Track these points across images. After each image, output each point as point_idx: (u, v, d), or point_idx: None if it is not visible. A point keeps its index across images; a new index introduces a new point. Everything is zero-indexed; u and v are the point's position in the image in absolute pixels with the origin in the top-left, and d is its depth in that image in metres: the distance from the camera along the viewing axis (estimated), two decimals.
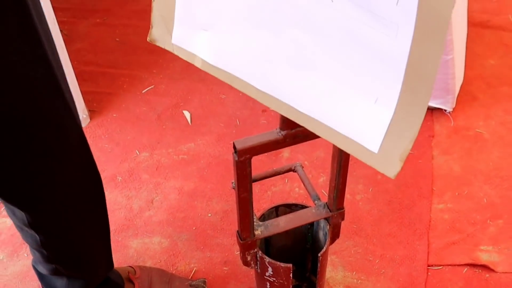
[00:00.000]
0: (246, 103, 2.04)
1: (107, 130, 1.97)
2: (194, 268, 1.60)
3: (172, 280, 1.53)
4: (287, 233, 1.24)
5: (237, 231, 1.17)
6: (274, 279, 1.22)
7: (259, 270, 1.24)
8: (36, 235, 1.20)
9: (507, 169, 1.80)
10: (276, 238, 1.31)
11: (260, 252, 1.20)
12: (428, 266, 1.58)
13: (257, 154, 1.01)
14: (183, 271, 1.60)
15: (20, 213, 1.16)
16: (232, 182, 1.18)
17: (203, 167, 1.85)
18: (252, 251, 1.20)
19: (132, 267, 1.52)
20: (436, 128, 1.93)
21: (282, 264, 1.18)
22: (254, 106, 2.02)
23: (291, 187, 1.77)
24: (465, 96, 2.03)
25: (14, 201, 1.13)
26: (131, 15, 2.47)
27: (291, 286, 1.23)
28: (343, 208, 1.22)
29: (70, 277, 1.32)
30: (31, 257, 1.59)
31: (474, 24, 2.28)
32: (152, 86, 2.13)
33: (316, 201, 1.24)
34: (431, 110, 1.96)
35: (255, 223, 1.18)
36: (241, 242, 1.17)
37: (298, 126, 0.93)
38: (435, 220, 1.68)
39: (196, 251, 1.64)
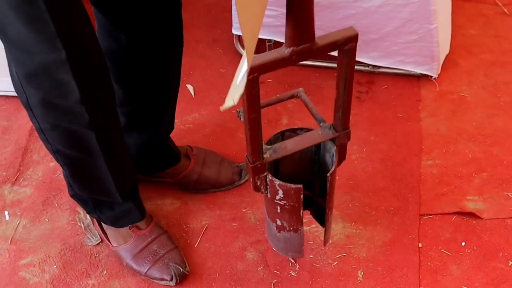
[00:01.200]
0: None
1: None
2: (206, 225, 1.74)
3: (223, 161, 1.82)
4: (293, 159, 1.26)
5: (246, 156, 1.18)
6: (285, 201, 1.22)
7: (269, 195, 1.24)
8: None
9: (489, 128, 1.95)
10: (284, 165, 1.31)
11: (270, 175, 1.20)
12: (420, 215, 1.72)
13: (265, 72, 1.00)
14: (196, 228, 1.73)
15: None
16: (237, 111, 1.24)
17: (208, 134, 1.97)
18: (262, 175, 1.20)
19: (190, 146, 1.80)
20: (422, 93, 2.07)
21: (293, 185, 1.18)
22: None
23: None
24: (449, 63, 2.16)
25: None
26: None
27: (301, 207, 1.24)
28: (348, 128, 1.21)
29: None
30: (52, 221, 1.74)
31: None
32: None
33: (321, 123, 1.23)
34: (417, 76, 2.10)
35: (263, 147, 1.18)
36: (251, 165, 1.17)
37: (304, 42, 0.95)
38: (425, 175, 1.82)
39: (206, 210, 1.77)
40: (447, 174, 1.82)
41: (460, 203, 1.74)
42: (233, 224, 1.74)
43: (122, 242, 1.63)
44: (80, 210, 1.73)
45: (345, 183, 1.80)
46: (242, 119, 1.23)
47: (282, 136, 1.30)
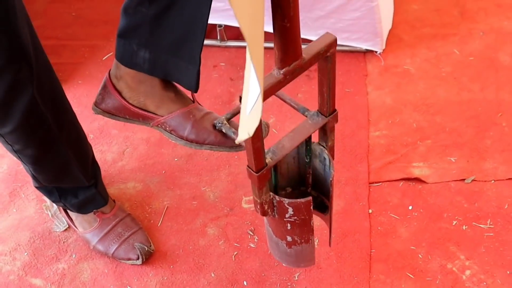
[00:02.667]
0: None
1: (75, 95, 2.16)
2: (167, 205, 1.82)
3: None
4: (283, 174, 1.26)
5: (248, 167, 1.12)
6: (296, 218, 1.20)
7: (276, 216, 1.22)
8: None
9: (432, 98, 2.05)
10: (280, 186, 1.30)
11: (277, 196, 1.17)
12: (369, 183, 1.83)
13: (264, 100, 0.96)
14: (158, 208, 1.81)
15: None
16: (215, 123, 1.31)
17: None
18: (267, 198, 1.18)
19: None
20: (368, 68, 2.17)
21: (303, 200, 1.16)
22: (205, 62, 2.22)
23: None
24: (393, 38, 2.26)
25: None
26: None
27: (312, 217, 1.22)
28: (336, 110, 1.20)
29: None
30: (20, 211, 1.81)
31: None
32: (111, 53, 2.31)
33: (306, 113, 1.22)
34: (363, 52, 2.20)
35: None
36: (257, 175, 1.11)
37: (294, 60, 0.99)
38: (372, 145, 1.92)
39: (167, 191, 1.86)
40: (393, 143, 1.92)
41: (407, 169, 1.85)
42: (193, 202, 1.82)
43: (88, 227, 1.70)
44: (46, 199, 1.81)
45: None
46: (224, 130, 1.28)
47: None
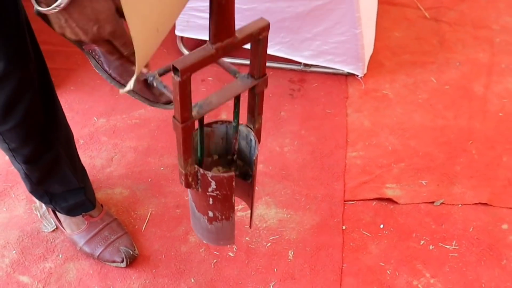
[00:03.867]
0: None
1: (67, 101, 2.24)
2: (151, 212, 1.91)
3: None
4: (209, 150, 1.28)
5: (173, 117, 1.11)
6: (218, 192, 1.23)
7: (200, 189, 1.24)
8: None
9: (408, 123, 2.17)
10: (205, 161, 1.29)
11: (201, 169, 1.19)
12: (344, 201, 1.93)
13: (196, 70, 1.03)
14: (142, 214, 1.90)
15: None
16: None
17: (154, 129, 2.15)
18: (192, 170, 1.20)
19: None
20: (349, 90, 2.28)
21: (226, 175, 1.18)
22: (194, 76, 2.31)
23: None
24: (374, 63, 2.38)
25: None
26: None
27: (233, 194, 1.24)
28: (266, 74, 1.20)
29: None
30: (10, 211, 1.89)
31: (382, 2, 2.62)
32: None
33: (237, 74, 1.21)
34: (345, 75, 2.31)
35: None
36: (181, 125, 1.11)
37: (227, 37, 1.03)
38: (349, 165, 2.03)
39: (152, 198, 1.95)
40: (369, 164, 2.03)
41: (380, 190, 1.96)
42: (177, 210, 1.92)
43: (76, 229, 1.79)
44: (36, 200, 1.89)
45: (278, 173, 2.00)
46: (155, 84, 1.21)
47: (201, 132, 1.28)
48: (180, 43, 2.38)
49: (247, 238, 1.83)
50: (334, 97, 2.25)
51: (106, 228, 1.78)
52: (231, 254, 1.80)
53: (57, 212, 1.83)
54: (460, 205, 1.92)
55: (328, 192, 1.95)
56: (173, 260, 1.80)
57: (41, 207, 1.88)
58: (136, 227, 1.87)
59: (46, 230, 1.86)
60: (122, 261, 1.76)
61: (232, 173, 1.20)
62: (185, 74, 1.04)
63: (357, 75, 2.30)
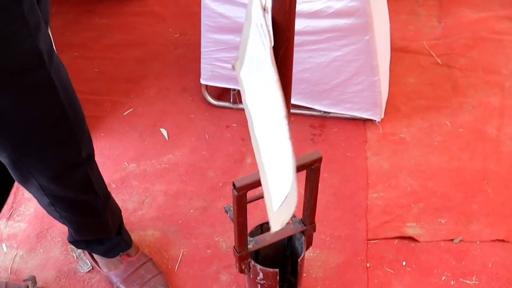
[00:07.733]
0: (212, 120, 2.44)
1: (98, 147, 2.34)
2: (183, 252, 1.99)
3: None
4: (270, 245, 1.49)
5: (234, 247, 1.42)
6: (264, 281, 1.48)
7: (251, 276, 1.50)
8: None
9: (425, 165, 2.26)
10: (263, 249, 1.53)
11: (252, 261, 1.45)
12: (368, 240, 2.01)
13: (251, 189, 1.23)
14: (174, 255, 1.99)
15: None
16: (225, 207, 1.49)
17: (182, 173, 2.24)
18: (246, 261, 1.46)
19: None
20: (368, 135, 2.38)
21: (271, 270, 1.44)
22: (218, 123, 2.43)
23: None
24: (391, 108, 2.47)
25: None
26: (106, 49, 2.83)
27: (277, 285, 1.50)
28: (314, 222, 1.48)
29: None
30: (46, 252, 1.97)
31: (395, 49, 2.74)
32: (132, 109, 2.51)
33: (292, 218, 1.48)
34: (363, 120, 2.41)
35: (248, 239, 1.43)
36: (238, 254, 1.42)
37: None
38: (371, 206, 2.11)
39: (183, 239, 2.03)
40: (389, 205, 2.12)
41: (401, 229, 2.04)
42: (208, 251, 2.00)
43: (113, 268, 1.87)
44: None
45: None
46: (229, 214, 1.47)
47: (261, 228, 1.53)
48: (205, 91, 2.49)
49: None
50: (354, 141, 2.35)
51: (142, 268, 1.87)
52: None
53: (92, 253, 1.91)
54: (478, 242, 2.00)
55: (352, 231, 2.03)
56: None
57: (77, 249, 1.96)
58: (169, 267, 1.96)
59: (82, 271, 1.94)
60: None
61: (277, 270, 1.45)
62: (242, 191, 1.25)
63: (375, 120, 2.39)
